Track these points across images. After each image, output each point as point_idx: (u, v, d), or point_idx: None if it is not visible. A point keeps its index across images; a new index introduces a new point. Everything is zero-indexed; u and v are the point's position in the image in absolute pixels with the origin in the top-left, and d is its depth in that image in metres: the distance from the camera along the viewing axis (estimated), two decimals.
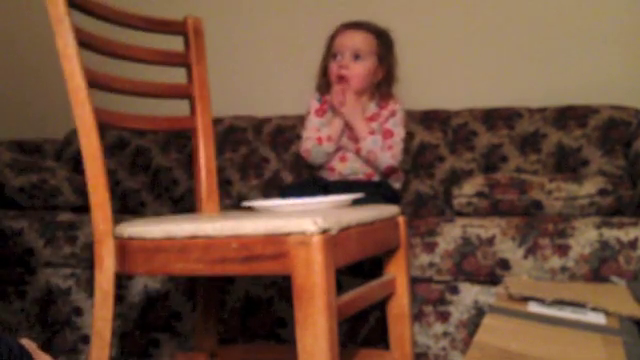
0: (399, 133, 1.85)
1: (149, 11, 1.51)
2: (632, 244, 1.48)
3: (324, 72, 1.90)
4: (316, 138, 1.84)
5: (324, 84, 1.90)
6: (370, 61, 1.84)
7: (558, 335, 1.06)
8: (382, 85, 1.87)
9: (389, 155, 1.81)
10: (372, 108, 1.87)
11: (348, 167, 1.86)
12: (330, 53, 1.87)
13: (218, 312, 1.59)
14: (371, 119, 1.85)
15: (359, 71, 1.83)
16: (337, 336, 1.06)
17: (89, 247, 1.81)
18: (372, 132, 1.80)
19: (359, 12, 2.03)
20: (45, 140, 2.60)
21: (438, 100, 2.30)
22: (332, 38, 1.89)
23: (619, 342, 1.01)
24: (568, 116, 2.09)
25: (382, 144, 1.80)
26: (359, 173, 1.86)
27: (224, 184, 2.29)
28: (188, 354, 1.56)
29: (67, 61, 1.23)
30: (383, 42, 1.86)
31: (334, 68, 1.84)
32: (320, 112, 1.89)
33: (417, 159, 2.16)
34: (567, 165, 2.03)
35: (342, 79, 1.83)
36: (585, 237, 1.51)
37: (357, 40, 1.83)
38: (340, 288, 1.19)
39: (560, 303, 1.23)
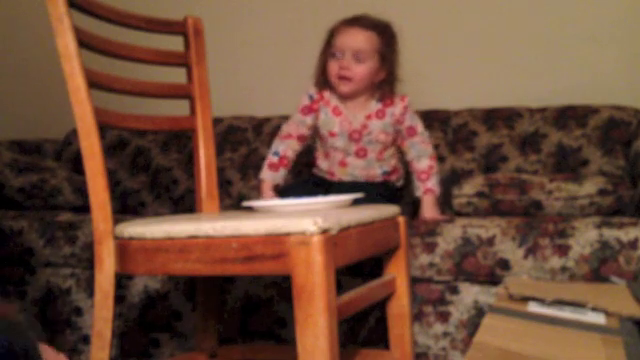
0: (419, 124, 1.85)
1: (149, 11, 1.51)
2: (632, 244, 1.48)
3: (323, 68, 1.84)
4: (268, 164, 1.86)
5: (322, 81, 1.85)
6: (372, 61, 1.79)
7: (558, 335, 1.06)
8: (384, 85, 1.83)
9: (431, 152, 1.84)
10: (374, 105, 1.83)
11: (348, 173, 1.84)
12: (330, 50, 1.81)
13: (218, 312, 1.59)
14: (377, 116, 1.82)
15: (360, 71, 1.78)
16: (337, 336, 1.06)
17: (89, 247, 1.81)
18: (429, 191, 1.80)
19: (359, 12, 2.03)
20: (45, 140, 2.60)
21: (438, 100, 2.30)
22: (332, 34, 1.82)
23: (619, 342, 1.01)
24: (568, 116, 2.09)
25: (426, 161, 1.82)
26: (359, 178, 1.84)
27: (224, 184, 2.29)
28: (188, 354, 1.56)
29: (67, 61, 1.23)
30: (386, 40, 1.81)
31: (334, 68, 1.80)
32: (305, 110, 1.86)
33: None
34: (567, 165, 2.03)
35: (343, 79, 1.79)
36: (585, 237, 1.51)
37: (359, 40, 1.78)
38: (340, 288, 1.19)
39: (560, 303, 1.23)
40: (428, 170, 1.80)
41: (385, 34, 1.82)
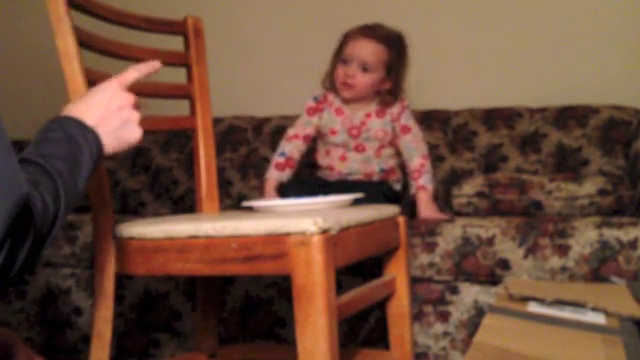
0: (414, 125, 1.88)
1: (149, 11, 1.51)
2: (632, 244, 1.48)
3: (332, 71, 1.90)
4: (275, 164, 1.88)
5: (329, 84, 1.92)
6: (377, 73, 1.84)
7: (558, 335, 1.06)
8: (388, 94, 1.88)
9: (424, 151, 1.85)
10: (374, 106, 1.89)
11: (347, 166, 1.87)
12: (340, 56, 1.87)
13: (218, 312, 1.59)
14: (377, 115, 1.87)
15: (364, 81, 1.84)
16: (337, 336, 1.06)
17: (89, 247, 1.81)
18: (421, 188, 1.81)
19: (359, 12, 2.04)
20: None
21: (438, 100, 2.31)
22: (345, 40, 1.88)
23: (619, 342, 1.01)
24: (568, 116, 2.09)
25: (420, 158, 1.84)
26: (358, 173, 1.87)
27: (224, 184, 2.29)
28: (188, 354, 1.56)
29: (67, 61, 1.23)
30: (395, 53, 1.85)
31: (341, 74, 1.85)
32: (311, 111, 1.91)
33: None
34: (567, 165, 2.03)
35: (346, 85, 1.85)
36: (585, 237, 1.51)
37: (366, 52, 1.82)
38: (340, 288, 1.19)
39: (560, 303, 1.23)
40: (420, 168, 1.83)
41: (394, 47, 1.86)
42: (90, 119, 0.97)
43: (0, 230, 0.66)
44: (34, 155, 0.85)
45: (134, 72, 1.07)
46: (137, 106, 1.04)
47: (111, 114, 1.00)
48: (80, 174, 0.89)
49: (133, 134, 1.03)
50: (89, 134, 0.95)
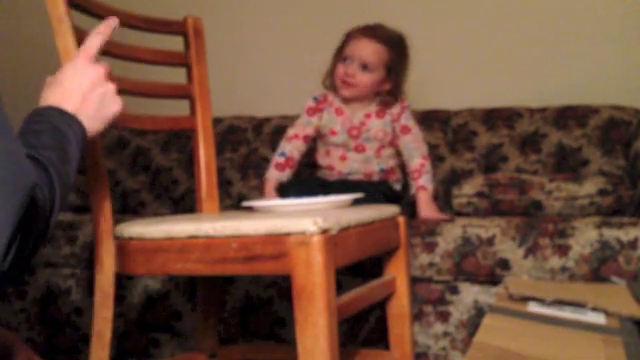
0: (414, 125, 1.89)
1: (149, 11, 1.51)
2: (632, 244, 1.48)
3: (332, 69, 1.90)
4: (275, 164, 1.88)
5: (329, 82, 1.92)
6: (377, 73, 1.84)
7: (558, 335, 1.06)
8: (388, 95, 1.88)
9: (424, 151, 1.85)
10: (374, 107, 1.90)
11: (347, 166, 1.88)
12: (341, 54, 1.88)
13: (218, 312, 1.59)
14: (377, 115, 1.88)
15: (364, 80, 1.84)
16: (337, 336, 1.06)
17: (89, 247, 1.81)
18: (421, 188, 1.82)
19: (359, 12, 2.03)
20: None
21: (438, 100, 2.31)
22: (346, 39, 1.88)
23: (619, 342, 1.01)
24: (568, 116, 2.09)
25: (419, 157, 1.84)
26: (358, 173, 1.87)
27: (224, 184, 2.29)
28: (188, 354, 1.56)
29: (67, 61, 1.22)
30: (395, 54, 1.85)
31: (340, 72, 1.86)
32: (311, 111, 1.91)
33: None
34: (567, 165, 2.03)
35: (345, 84, 1.85)
36: (585, 237, 1.51)
37: (367, 52, 1.83)
38: (340, 288, 1.19)
39: (560, 303, 1.23)
40: (420, 168, 1.83)
41: (395, 48, 1.86)
42: (69, 105, 0.95)
43: (14, 221, 0.64)
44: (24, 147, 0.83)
45: (95, 38, 1.04)
46: (110, 76, 1.01)
47: (88, 94, 0.97)
48: (70, 164, 0.87)
49: (113, 107, 1.00)
50: (73, 123, 0.92)
